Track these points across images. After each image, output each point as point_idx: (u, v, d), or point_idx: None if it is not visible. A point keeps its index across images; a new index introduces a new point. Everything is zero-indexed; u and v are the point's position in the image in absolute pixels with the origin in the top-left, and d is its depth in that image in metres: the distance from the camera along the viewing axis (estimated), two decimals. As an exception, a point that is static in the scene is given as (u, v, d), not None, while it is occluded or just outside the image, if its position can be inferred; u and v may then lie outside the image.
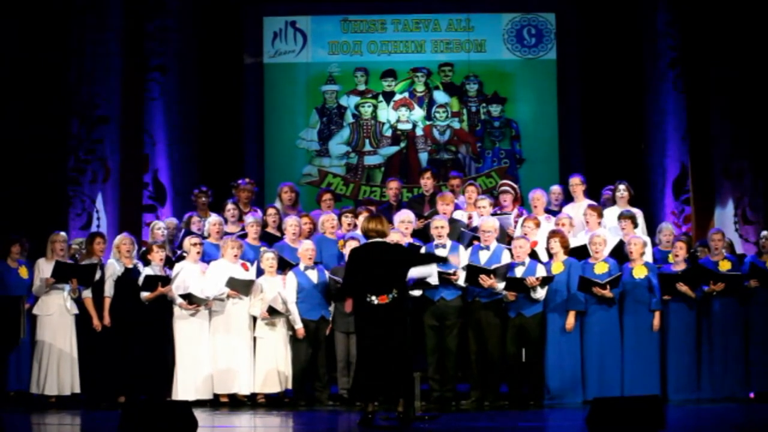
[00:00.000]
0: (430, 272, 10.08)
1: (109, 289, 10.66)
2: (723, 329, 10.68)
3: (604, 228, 11.08)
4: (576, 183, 11.74)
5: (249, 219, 11.35)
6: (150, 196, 13.77)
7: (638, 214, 11.32)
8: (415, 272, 9.56)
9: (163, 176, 13.83)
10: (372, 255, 9.00)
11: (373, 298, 8.86)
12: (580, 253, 10.70)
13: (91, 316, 10.64)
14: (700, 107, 13.46)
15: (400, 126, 14.93)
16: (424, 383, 10.30)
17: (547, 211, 11.57)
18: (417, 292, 10.38)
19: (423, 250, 10.41)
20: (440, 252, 10.38)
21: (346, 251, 10.64)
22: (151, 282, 10.55)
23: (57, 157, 13.18)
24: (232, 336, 10.66)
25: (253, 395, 10.68)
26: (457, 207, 11.53)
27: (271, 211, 11.71)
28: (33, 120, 13.00)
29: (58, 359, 10.62)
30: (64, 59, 13.22)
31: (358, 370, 9.06)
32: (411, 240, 10.64)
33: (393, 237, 9.93)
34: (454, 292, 10.47)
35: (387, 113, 14.92)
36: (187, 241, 10.87)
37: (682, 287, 10.50)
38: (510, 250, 10.54)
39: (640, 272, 10.55)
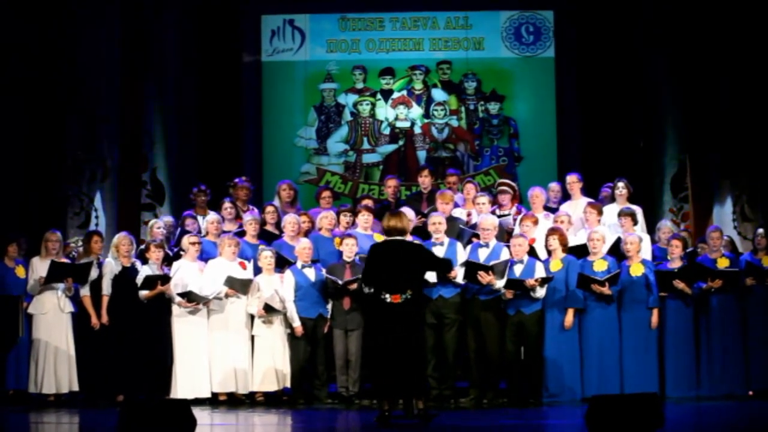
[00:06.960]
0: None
1: (107, 288, 10.66)
2: (721, 327, 10.70)
3: (603, 225, 11.07)
4: (573, 181, 11.73)
5: (248, 217, 11.35)
6: (148, 194, 13.75)
7: (638, 210, 11.31)
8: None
9: (162, 175, 13.82)
10: (390, 253, 8.96)
11: (387, 296, 8.83)
12: (580, 251, 10.69)
13: (89, 314, 10.65)
14: (698, 104, 13.43)
15: (399, 124, 14.92)
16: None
17: (546, 208, 11.57)
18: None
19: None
20: (437, 250, 10.36)
21: (343, 248, 10.66)
22: (151, 282, 10.55)
23: (56, 156, 13.16)
24: (231, 334, 10.66)
25: (252, 393, 10.68)
26: (455, 205, 11.52)
27: (269, 209, 11.70)
28: (32, 118, 12.98)
29: (55, 358, 10.61)
30: (63, 58, 13.20)
31: (371, 368, 8.98)
32: (411, 237, 10.61)
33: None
34: (452, 290, 10.46)
35: (385, 111, 14.92)
36: (186, 240, 10.87)
37: (679, 284, 10.50)
38: (509, 247, 10.53)
39: (637, 270, 10.54)
